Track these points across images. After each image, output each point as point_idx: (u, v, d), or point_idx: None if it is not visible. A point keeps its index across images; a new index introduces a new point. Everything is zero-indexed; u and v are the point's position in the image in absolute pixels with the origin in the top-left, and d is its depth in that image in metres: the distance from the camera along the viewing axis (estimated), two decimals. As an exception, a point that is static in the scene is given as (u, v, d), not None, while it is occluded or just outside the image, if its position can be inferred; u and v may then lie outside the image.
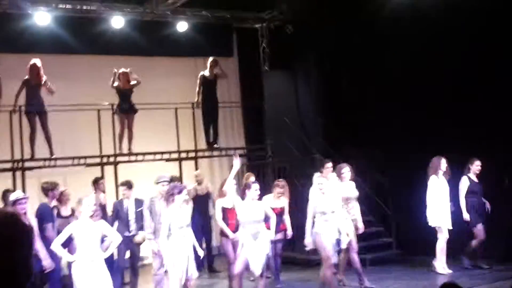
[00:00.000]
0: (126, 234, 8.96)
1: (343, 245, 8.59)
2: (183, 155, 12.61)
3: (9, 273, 1.89)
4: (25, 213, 7.63)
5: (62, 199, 9.14)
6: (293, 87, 14.32)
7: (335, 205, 8.39)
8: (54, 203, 9.01)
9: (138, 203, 9.21)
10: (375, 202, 11.47)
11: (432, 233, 10.87)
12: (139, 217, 9.04)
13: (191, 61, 13.98)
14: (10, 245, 1.90)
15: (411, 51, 11.27)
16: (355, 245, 9.04)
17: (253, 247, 7.86)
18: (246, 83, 14.57)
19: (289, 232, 9.34)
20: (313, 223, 8.29)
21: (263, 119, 13.60)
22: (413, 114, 11.26)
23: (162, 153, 12.27)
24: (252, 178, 10.15)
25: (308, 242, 8.33)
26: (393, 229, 11.34)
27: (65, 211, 9.01)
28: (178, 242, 7.53)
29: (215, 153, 13.32)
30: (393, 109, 11.68)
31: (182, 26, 13.56)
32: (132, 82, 11.94)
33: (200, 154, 12.93)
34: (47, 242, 7.75)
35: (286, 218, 9.31)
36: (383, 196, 11.43)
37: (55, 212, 8.93)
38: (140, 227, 9.00)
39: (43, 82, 11.08)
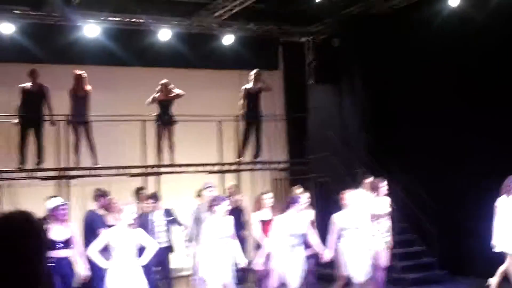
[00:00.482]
0: None
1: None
2: (226, 167, 12.63)
3: (19, 275, 1.88)
4: (66, 220, 7.72)
5: (110, 207, 9.13)
6: (338, 102, 14.18)
7: (359, 221, 8.34)
8: (101, 211, 9.08)
9: (167, 213, 9.17)
10: (419, 221, 11.22)
11: (478, 254, 10.61)
12: (169, 227, 9.00)
13: (236, 74, 13.99)
14: (20, 246, 1.89)
15: (466, 68, 11.03)
16: (382, 263, 8.86)
17: (290, 260, 7.81)
18: (290, 96, 14.58)
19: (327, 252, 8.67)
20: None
21: (307, 133, 13.51)
22: (463, 135, 11.01)
23: (205, 165, 12.32)
24: (300, 190, 10.18)
25: (326, 256, 8.25)
26: (437, 249, 11.06)
27: (112, 220, 8.90)
28: (217, 252, 7.54)
29: (258, 166, 13.30)
30: (442, 128, 11.44)
31: (228, 39, 13.65)
32: (173, 94, 11.99)
33: (242, 166, 12.91)
34: None
35: (314, 231, 9.11)
36: (428, 215, 11.18)
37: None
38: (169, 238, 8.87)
39: (88, 93, 11.29)
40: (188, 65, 13.43)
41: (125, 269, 7.19)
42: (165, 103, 11.96)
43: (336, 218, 8.48)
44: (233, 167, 12.72)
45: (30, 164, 10.91)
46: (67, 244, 7.52)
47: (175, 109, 12.05)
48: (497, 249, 8.75)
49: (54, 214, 7.55)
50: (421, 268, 11.01)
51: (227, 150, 12.61)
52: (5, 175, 10.67)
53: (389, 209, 9.17)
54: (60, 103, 11.24)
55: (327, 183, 11.86)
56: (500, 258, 10.16)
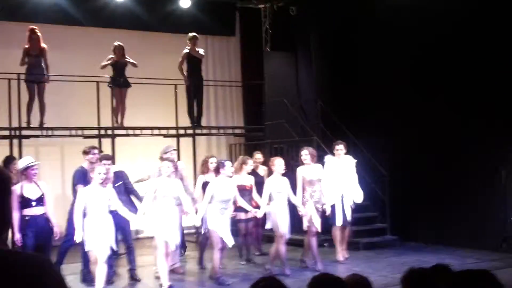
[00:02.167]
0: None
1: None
2: (181, 131, 12.55)
3: None
4: (35, 179, 7.76)
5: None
6: (294, 69, 14.28)
7: (283, 186, 8.86)
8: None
9: (117, 176, 8.80)
10: (371, 189, 11.45)
11: (426, 220, 10.98)
12: (120, 191, 8.67)
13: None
14: None
15: (420, 36, 11.16)
16: (313, 228, 9.17)
17: (220, 222, 8.29)
18: (247, 63, 14.54)
19: (259, 211, 8.89)
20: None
21: (263, 100, 13.53)
22: (416, 104, 11.21)
23: (160, 128, 12.22)
24: (259, 155, 10.70)
25: (258, 214, 8.83)
26: (388, 215, 11.35)
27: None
28: (164, 211, 7.93)
29: (213, 131, 13.32)
30: (395, 96, 11.64)
31: (185, 2, 13.44)
32: (128, 59, 11.73)
33: (198, 131, 12.85)
34: None
35: (255, 196, 9.29)
36: (379, 183, 11.44)
37: None
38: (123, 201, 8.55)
39: (43, 51, 10.96)
40: (145, 27, 13.25)
41: (99, 225, 7.47)
42: (119, 65, 11.70)
43: (267, 182, 8.99)
44: (188, 131, 12.64)
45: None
46: (40, 202, 7.66)
47: (131, 72, 11.83)
48: None
49: (26, 173, 7.64)
50: (374, 233, 11.31)
51: (183, 114, 12.49)
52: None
53: (321, 175, 9.38)
54: (12, 61, 10.90)
55: (282, 149, 11.95)
56: (446, 224, 10.57)
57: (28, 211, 7.55)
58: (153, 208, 8.02)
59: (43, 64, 10.96)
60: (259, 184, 9.45)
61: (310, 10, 13.72)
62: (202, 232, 9.01)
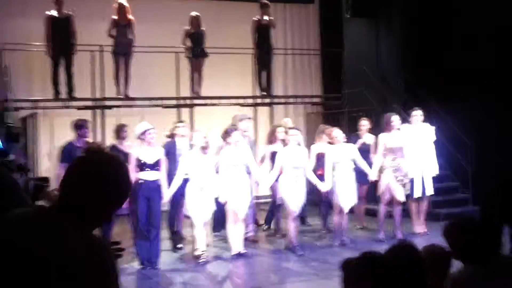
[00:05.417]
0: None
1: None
2: (258, 100, 12.56)
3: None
4: (153, 143, 7.81)
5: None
6: (374, 37, 13.90)
7: (345, 155, 8.76)
8: None
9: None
10: (453, 157, 11.06)
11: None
12: None
13: (270, 7, 13.69)
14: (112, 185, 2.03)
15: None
16: (387, 197, 9.07)
17: (293, 190, 8.26)
18: (326, 31, 14.30)
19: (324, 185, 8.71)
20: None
21: (342, 68, 13.27)
22: (504, 70, 10.65)
23: (238, 97, 12.27)
24: (365, 122, 10.31)
25: (323, 189, 8.66)
26: (471, 185, 10.95)
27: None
28: (234, 179, 8.10)
29: (290, 100, 13.24)
30: (481, 63, 11.11)
31: (263, -30, 13.30)
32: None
33: (276, 100, 12.84)
34: None
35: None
36: (463, 151, 11.02)
37: None
38: None
39: (131, 23, 11.13)
40: (222, -4, 13.28)
41: (200, 188, 7.80)
42: (196, 36, 11.76)
43: (327, 153, 8.85)
44: (266, 100, 12.63)
45: (65, 93, 10.96)
46: (155, 166, 7.69)
47: (208, 41, 11.88)
48: None
49: (143, 138, 7.70)
50: (455, 203, 10.92)
51: (260, 83, 12.47)
52: (41, 104, 10.77)
53: (402, 144, 9.12)
54: (93, 34, 11.20)
55: (360, 117, 11.69)
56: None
57: (142, 175, 7.57)
58: (224, 176, 8.12)
59: (129, 36, 11.16)
60: (366, 152, 9.47)
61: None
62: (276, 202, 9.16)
